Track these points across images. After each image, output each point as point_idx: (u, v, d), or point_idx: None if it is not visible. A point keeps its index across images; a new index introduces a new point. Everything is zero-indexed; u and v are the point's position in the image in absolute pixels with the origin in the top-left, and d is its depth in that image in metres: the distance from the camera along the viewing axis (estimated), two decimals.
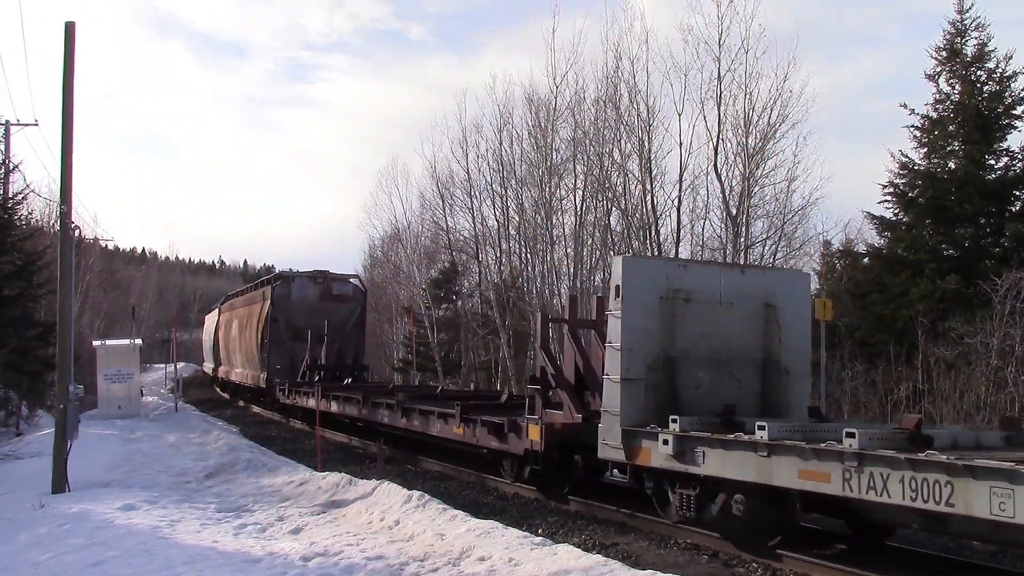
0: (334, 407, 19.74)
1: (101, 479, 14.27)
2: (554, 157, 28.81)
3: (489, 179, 32.27)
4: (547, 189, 28.68)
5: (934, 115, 20.45)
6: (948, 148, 20.24)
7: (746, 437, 8.27)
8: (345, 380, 23.64)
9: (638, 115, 25.29)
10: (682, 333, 9.99)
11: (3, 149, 29.90)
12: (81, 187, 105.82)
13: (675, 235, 24.84)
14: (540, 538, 8.77)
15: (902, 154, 20.58)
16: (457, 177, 34.04)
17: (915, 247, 19.55)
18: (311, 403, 20.28)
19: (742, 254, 22.47)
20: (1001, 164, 19.89)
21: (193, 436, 20.87)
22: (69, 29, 13.68)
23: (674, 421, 9.02)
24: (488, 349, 34.27)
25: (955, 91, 20.27)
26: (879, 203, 20.97)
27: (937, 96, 20.47)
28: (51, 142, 71.68)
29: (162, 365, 54.72)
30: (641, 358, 9.74)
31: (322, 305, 27.22)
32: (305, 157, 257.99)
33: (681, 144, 24.40)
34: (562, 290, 29.09)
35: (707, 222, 24.75)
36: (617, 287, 9.83)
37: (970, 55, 20.15)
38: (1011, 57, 19.72)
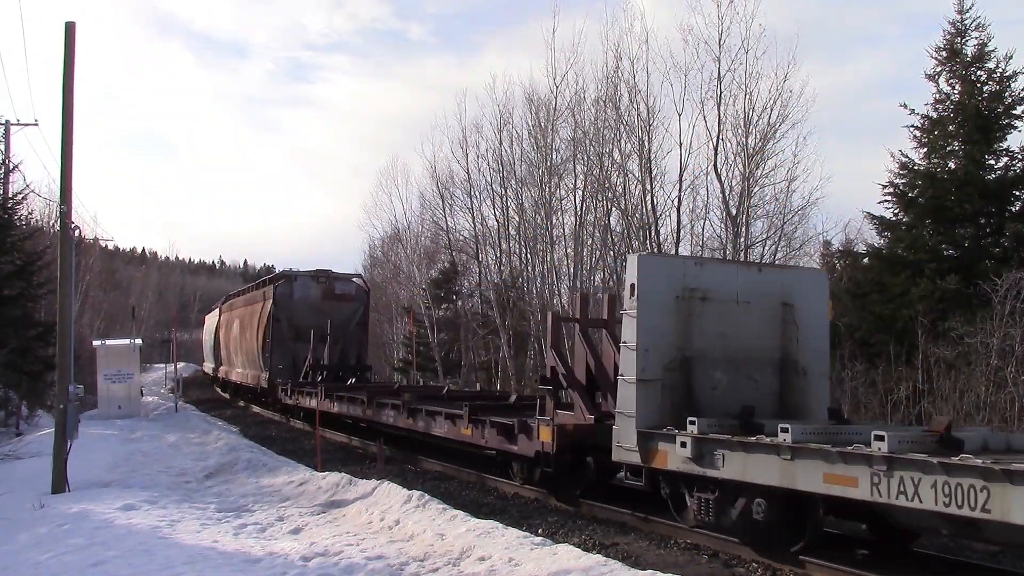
0: (338, 407, 19.54)
1: (101, 479, 14.27)
2: (554, 157, 28.85)
3: (489, 179, 32.31)
4: (547, 189, 28.69)
5: (934, 115, 20.43)
6: (948, 148, 20.22)
7: (768, 440, 8.02)
8: (349, 380, 23.44)
9: (638, 115, 25.32)
10: (699, 333, 9.76)
11: (3, 149, 29.94)
12: (81, 187, 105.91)
13: (675, 235, 24.86)
14: (540, 538, 8.77)
15: (902, 154, 20.59)
16: (457, 177, 34.08)
17: (915, 247, 19.54)
18: (314, 404, 20.10)
19: (742, 254, 22.46)
20: (1001, 164, 19.87)
21: (193, 436, 20.86)
22: (69, 29, 13.69)
23: (692, 423, 8.76)
24: (488, 349, 34.27)
25: (955, 91, 20.25)
26: (879, 203, 20.96)
27: (937, 96, 20.46)
28: (51, 142, 71.74)
29: (162, 365, 54.71)
30: (657, 358, 9.50)
31: (325, 305, 27.02)
32: (305, 157, 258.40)
33: (681, 144, 24.43)
34: (562, 290, 29.12)
35: (707, 222, 24.79)
36: (632, 285, 9.59)
37: (970, 55, 20.13)
38: (1011, 57, 19.72)
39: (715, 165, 23.49)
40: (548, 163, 28.58)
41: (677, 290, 9.70)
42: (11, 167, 27.71)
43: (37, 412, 24.63)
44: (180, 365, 44.74)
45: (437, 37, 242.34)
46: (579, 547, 8.51)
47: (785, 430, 7.75)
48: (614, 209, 26.58)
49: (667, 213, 25.21)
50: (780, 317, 10.24)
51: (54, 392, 16.08)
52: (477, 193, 32.95)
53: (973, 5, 20.01)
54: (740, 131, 23.17)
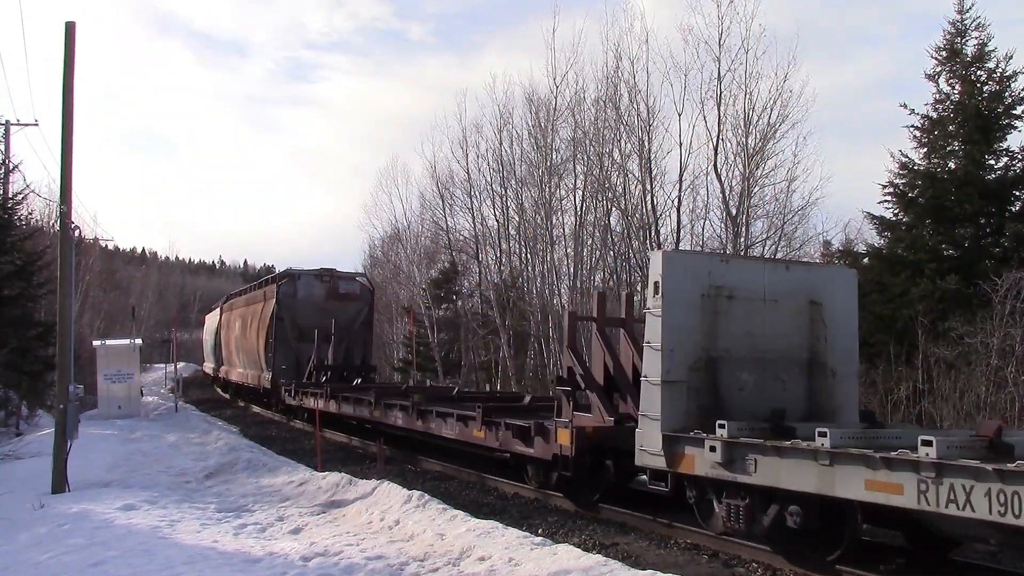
0: (344, 409, 19.26)
1: (101, 479, 14.27)
2: (554, 157, 28.88)
3: (489, 179, 32.36)
4: (547, 189, 28.71)
5: (934, 115, 20.42)
6: (948, 148, 20.21)
7: (804, 444, 7.62)
8: (355, 381, 23.26)
9: (638, 115, 25.35)
10: (724, 332, 9.38)
11: (3, 149, 29.95)
12: (81, 186, 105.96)
13: (675, 235, 24.87)
14: (540, 538, 8.77)
15: (902, 154, 20.57)
16: (457, 177, 34.13)
17: (915, 247, 19.53)
18: (319, 405, 19.88)
19: (741, 254, 22.47)
20: (1001, 164, 19.86)
21: (193, 436, 20.86)
22: (69, 29, 13.69)
23: (722, 426, 8.37)
24: (488, 349, 34.27)
25: (955, 91, 20.24)
26: (879, 203, 20.93)
27: (937, 96, 20.45)
28: (51, 142, 71.73)
29: (162, 365, 54.71)
30: (682, 359, 9.12)
31: (329, 304, 26.73)
32: (305, 157, 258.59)
33: (681, 144, 24.48)
34: (562, 290, 29.14)
35: (707, 222, 24.84)
36: (656, 283, 9.22)
37: (970, 55, 20.12)
38: (1011, 57, 19.71)
39: (715, 165, 23.54)
40: (548, 163, 28.60)
41: (703, 288, 9.35)
42: (11, 167, 27.77)
43: (37, 412, 24.63)
44: (180, 365, 44.75)
45: (437, 37, 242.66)
46: (579, 547, 8.51)
47: (823, 434, 7.40)
48: (614, 209, 26.62)
49: (667, 213, 25.28)
50: (808, 316, 9.91)
51: (54, 392, 16.08)
52: (477, 193, 33.04)
53: (973, 5, 20.02)
54: (740, 131, 23.22)
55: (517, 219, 31.27)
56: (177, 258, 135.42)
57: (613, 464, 10.88)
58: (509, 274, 32.90)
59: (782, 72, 22.85)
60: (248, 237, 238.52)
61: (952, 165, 20.12)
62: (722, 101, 23.35)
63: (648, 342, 9.31)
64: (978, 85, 20.06)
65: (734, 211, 23.26)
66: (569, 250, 28.72)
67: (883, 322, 19.05)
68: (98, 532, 9.76)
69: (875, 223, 21.21)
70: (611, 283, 26.30)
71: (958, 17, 20.20)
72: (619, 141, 26.17)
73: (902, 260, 19.59)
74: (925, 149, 20.56)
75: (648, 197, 25.10)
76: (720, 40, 23.19)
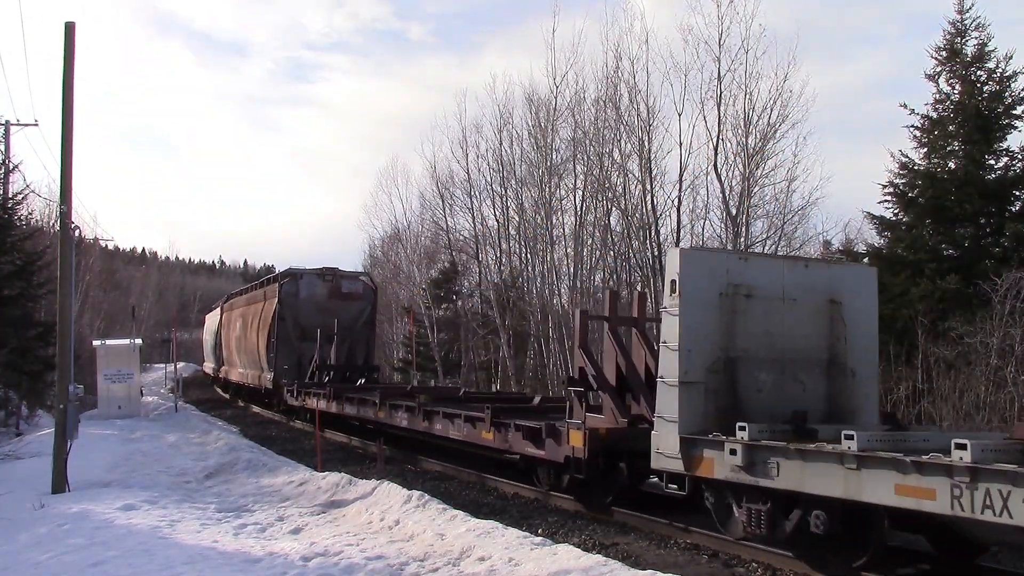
0: (348, 409, 19.07)
1: (101, 479, 14.27)
2: (554, 157, 28.90)
3: (489, 179, 32.38)
4: (547, 189, 28.73)
5: (934, 115, 20.42)
6: (948, 148, 20.21)
7: (830, 447, 7.38)
8: (358, 381, 23.11)
9: (638, 115, 25.36)
10: (743, 332, 9.16)
11: (3, 149, 29.96)
12: (81, 186, 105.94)
13: (675, 235, 24.89)
14: (540, 538, 8.78)
15: (902, 154, 20.57)
16: (457, 177, 34.15)
17: (915, 247, 19.53)
18: (323, 405, 19.74)
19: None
20: (1001, 164, 19.86)
21: (193, 436, 20.87)
22: (69, 29, 13.69)
23: (742, 428, 8.13)
24: (488, 349, 34.28)
25: (955, 91, 20.24)
26: (879, 203, 20.92)
27: (937, 96, 20.45)
28: (51, 142, 71.75)
29: (162, 365, 54.71)
30: (700, 359, 8.88)
31: (331, 303, 26.52)
32: (305, 156, 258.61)
33: (681, 144, 24.49)
34: (562, 290, 29.15)
35: (707, 222, 24.86)
36: (673, 281, 8.98)
37: (970, 55, 20.12)
38: (1011, 57, 19.70)
39: (715, 165, 23.55)
40: (548, 163, 28.61)
41: (721, 286, 9.12)
42: (11, 167, 27.77)
43: (37, 412, 24.64)
44: (180, 365, 44.75)
45: (437, 37, 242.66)
46: (579, 547, 8.51)
47: (849, 437, 7.16)
48: (614, 209, 26.63)
49: (667, 213, 25.29)
50: (828, 315, 9.71)
51: (54, 392, 16.08)
52: (477, 193, 33.07)
53: (973, 5, 20.01)
54: (740, 131, 23.24)
55: (517, 219, 31.31)
56: (177, 258, 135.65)
57: (626, 466, 10.74)
58: (509, 274, 32.91)
59: (782, 72, 22.91)
60: (248, 237, 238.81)
61: (952, 165, 20.13)
62: (722, 101, 23.41)
63: (665, 342, 9.07)
64: (978, 85, 20.06)
65: (734, 211, 23.27)
66: (569, 250, 28.75)
67: (883, 322, 18.90)
68: (98, 532, 9.76)
69: (875, 223, 21.21)
70: (611, 283, 26.29)
71: (958, 17, 20.21)
72: (619, 141, 26.22)
73: (902, 260, 19.58)
74: (925, 149, 20.56)
75: (648, 197, 25.13)
76: (720, 40, 23.24)
